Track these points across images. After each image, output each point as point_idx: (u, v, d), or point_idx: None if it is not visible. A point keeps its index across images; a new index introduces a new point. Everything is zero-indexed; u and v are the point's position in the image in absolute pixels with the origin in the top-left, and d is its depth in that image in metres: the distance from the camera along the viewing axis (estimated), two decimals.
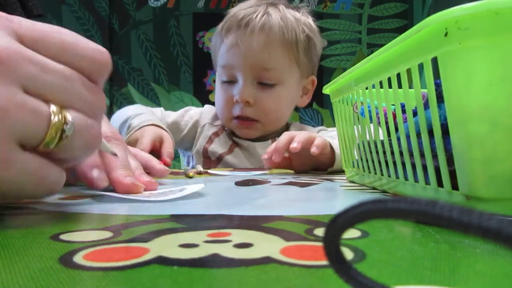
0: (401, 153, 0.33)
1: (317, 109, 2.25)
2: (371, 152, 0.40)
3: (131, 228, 0.22)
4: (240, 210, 0.28)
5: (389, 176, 0.36)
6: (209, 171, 0.68)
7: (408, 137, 0.31)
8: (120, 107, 0.91)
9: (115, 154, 0.34)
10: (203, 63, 2.19)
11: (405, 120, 0.31)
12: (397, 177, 0.34)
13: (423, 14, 2.10)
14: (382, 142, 0.37)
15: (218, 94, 0.88)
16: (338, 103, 0.50)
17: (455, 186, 0.25)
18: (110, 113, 1.15)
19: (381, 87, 0.35)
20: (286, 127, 0.92)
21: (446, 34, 0.23)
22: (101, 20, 2.19)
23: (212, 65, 0.92)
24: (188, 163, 0.95)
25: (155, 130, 0.74)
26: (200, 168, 0.65)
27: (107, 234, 0.20)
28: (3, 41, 0.21)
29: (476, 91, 0.23)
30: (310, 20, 0.86)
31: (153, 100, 2.20)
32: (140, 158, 0.45)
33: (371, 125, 0.40)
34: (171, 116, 0.92)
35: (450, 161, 0.25)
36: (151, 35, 2.22)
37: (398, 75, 0.31)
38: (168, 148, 0.71)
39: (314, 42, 0.86)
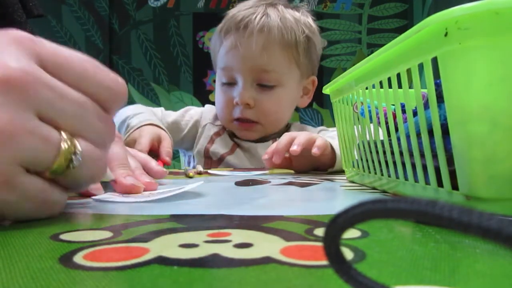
0: (401, 153, 0.33)
1: (317, 109, 2.25)
2: (371, 152, 0.40)
3: (131, 228, 0.22)
4: (240, 210, 0.28)
5: (389, 176, 0.36)
6: (209, 171, 0.68)
7: (408, 137, 0.31)
8: None
9: (115, 183, 0.35)
10: (203, 63, 2.19)
11: (405, 120, 0.31)
12: (397, 177, 0.34)
13: (423, 14, 2.10)
14: (382, 142, 0.37)
15: (218, 96, 0.87)
16: (338, 103, 0.50)
17: (455, 186, 0.25)
18: None
19: (381, 87, 0.35)
20: (287, 128, 0.92)
21: (446, 34, 0.23)
22: (101, 20, 2.19)
23: (212, 65, 0.92)
24: (189, 163, 0.95)
25: (153, 129, 0.74)
26: (200, 168, 0.65)
27: (107, 234, 0.20)
28: (23, 65, 0.21)
29: (476, 91, 0.23)
30: (310, 19, 0.85)
31: (153, 100, 2.20)
32: (138, 160, 0.45)
33: (371, 125, 0.40)
34: (171, 115, 0.92)
35: (450, 161, 0.25)
36: (151, 35, 2.22)
37: (398, 75, 0.31)
38: (166, 147, 0.71)
39: (314, 42, 0.85)
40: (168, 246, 0.18)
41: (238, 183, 0.47)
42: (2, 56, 0.21)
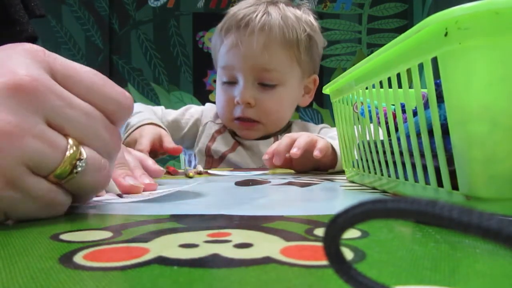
0: (401, 153, 0.33)
1: (317, 109, 2.25)
2: (371, 152, 0.40)
3: (131, 228, 0.22)
4: (240, 210, 0.28)
5: (389, 176, 0.36)
6: (209, 171, 0.68)
7: (408, 137, 0.31)
8: None
9: (120, 196, 0.34)
10: (203, 63, 2.19)
11: (405, 120, 0.31)
12: (397, 177, 0.34)
13: (423, 14, 2.10)
14: (382, 142, 0.37)
15: (219, 95, 0.87)
16: (338, 103, 0.50)
17: (455, 186, 0.25)
18: None
19: (381, 87, 0.35)
20: (288, 126, 0.92)
21: (446, 34, 0.23)
22: (101, 20, 2.19)
23: (212, 65, 0.91)
24: (189, 162, 0.95)
25: (153, 129, 0.73)
26: (200, 168, 0.65)
27: (107, 234, 0.20)
28: (35, 73, 0.22)
29: (476, 91, 0.23)
30: (311, 18, 0.85)
31: (153, 100, 2.20)
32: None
33: (371, 125, 0.40)
34: (172, 114, 0.91)
35: (450, 161, 0.25)
36: (151, 35, 2.22)
37: (398, 75, 0.31)
38: (170, 143, 0.71)
39: (315, 41, 0.84)
40: (168, 246, 0.18)
41: (238, 183, 0.47)
42: (14, 64, 0.22)
